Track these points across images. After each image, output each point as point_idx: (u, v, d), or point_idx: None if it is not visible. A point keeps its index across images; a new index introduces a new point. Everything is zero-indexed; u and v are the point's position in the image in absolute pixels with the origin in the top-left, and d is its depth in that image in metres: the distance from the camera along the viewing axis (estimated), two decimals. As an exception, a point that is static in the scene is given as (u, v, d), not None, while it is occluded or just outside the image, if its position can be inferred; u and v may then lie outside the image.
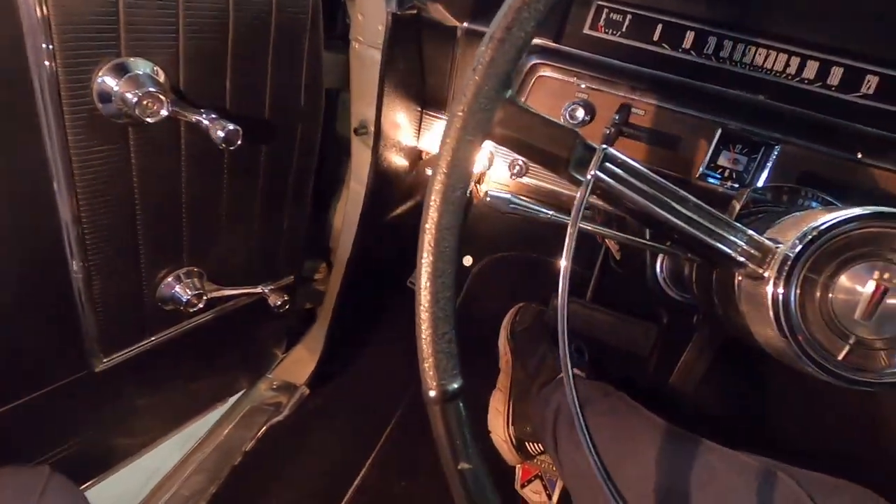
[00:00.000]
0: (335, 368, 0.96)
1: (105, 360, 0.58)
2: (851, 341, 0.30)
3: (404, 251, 1.09)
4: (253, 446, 0.83)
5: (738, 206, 0.42)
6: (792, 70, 0.57)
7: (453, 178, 0.24)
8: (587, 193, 0.27)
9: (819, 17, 0.57)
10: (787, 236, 0.31)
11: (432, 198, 0.24)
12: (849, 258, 0.30)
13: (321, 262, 0.93)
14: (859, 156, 0.53)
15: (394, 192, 0.82)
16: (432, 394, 0.25)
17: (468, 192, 0.25)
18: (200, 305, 0.63)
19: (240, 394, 0.94)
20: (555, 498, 0.92)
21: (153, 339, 0.63)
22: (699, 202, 0.30)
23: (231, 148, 0.49)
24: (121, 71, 0.44)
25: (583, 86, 0.58)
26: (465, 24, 0.63)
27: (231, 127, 0.48)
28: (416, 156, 0.79)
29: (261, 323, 0.85)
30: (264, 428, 0.87)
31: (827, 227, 0.30)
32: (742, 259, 0.31)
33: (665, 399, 1.13)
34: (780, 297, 0.30)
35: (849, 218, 0.30)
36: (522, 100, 0.61)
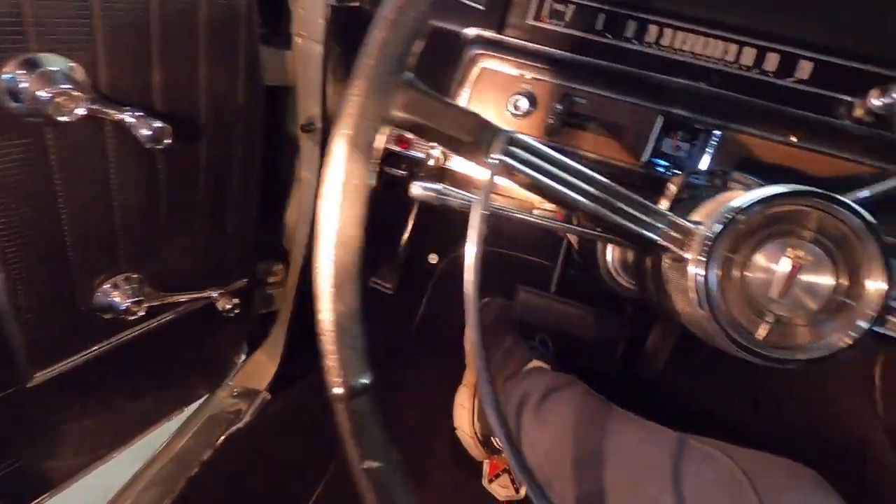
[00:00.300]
0: (296, 371, 0.94)
1: (38, 375, 0.55)
2: (770, 320, 0.30)
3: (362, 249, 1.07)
4: (211, 456, 0.81)
5: (675, 190, 0.42)
6: (730, 57, 0.58)
7: (352, 165, 0.23)
8: (493, 178, 0.27)
9: (755, 4, 0.58)
10: (708, 217, 0.31)
11: (329, 187, 0.23)
12: (765, 237, 0.30)
13: (277, 264, 0.91)
14: (793, 139, 0.54)
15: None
16: (338, 391, 0.24)
17: (372, 181, 0.24)
18: (141, 313, 0.60)
19: (199, 402, 0.91)
20: (523, 491, 0.92)
21: (94, 349, 0.61)
22: (617, 187, 0.30)
23: (159, 147, 0.47)
24: (32, 67, 0.41)
25: (527, 76, 0.58)
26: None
27: (158, 124, 0.46)
28: (367, 152, 0.78)
29: (217, 329, 0.82)
30: (224, 437, 0.84)
31: (743, 207, 0.30)
32: (664, 243, 0.31)
33: (632, 387, 1.14)
34: (701, 278, 0.30)
35: (764, 198, 0.30)
36: (467, 91, 0.60)
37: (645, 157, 0.57)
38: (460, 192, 0.37)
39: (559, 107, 0.54)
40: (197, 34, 0.52)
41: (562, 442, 0.62)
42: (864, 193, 0.40)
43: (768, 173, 0.55)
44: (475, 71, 0.58)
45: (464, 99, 0.59)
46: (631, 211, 0.29)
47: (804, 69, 0.57)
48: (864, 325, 0.30)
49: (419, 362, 1.10)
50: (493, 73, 0.58)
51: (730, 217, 0.29)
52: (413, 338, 1.15)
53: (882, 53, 0.55)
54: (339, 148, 0.23)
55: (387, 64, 0.23)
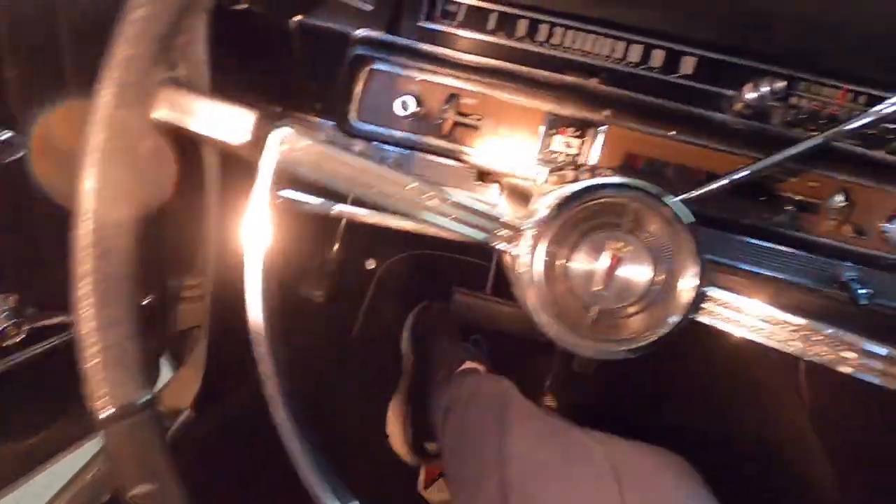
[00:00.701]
0: (223, 388, 0.91)
1: None
2: (594, 313, 0.30)
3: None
4: (125, 481, 0.77)
5: (543, 184, 0.42)
6: (618, 54, 0.59)
7: (110, 170, 0.22)
8: (269, 176, 0.26)
9: (641, 2, 0.59)
10: (536, 212, 0.31)
11: (85, 196, 0.22)
12: (588, 229, 0.30)
13: (195, 279, 0.88)
14: (675, 133, 0.55)
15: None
16: (105, 413, 0.23)
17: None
18: (22, 335, 0.57)
19: (119, 426, 0.87)
20: (457, 495, 0.92)
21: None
22: (429, 186, 0.29)
23: (9, 160, 0.44)
24: None
25: (416, 77, 0.58)
26: (299, 19, 0.61)
27: (5, 136, 0.43)
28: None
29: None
30: (141, 460, 0.80)
31: (565, 200, 0.30)
32: (494, 243, 0.30)
33: (569, 384, 1.15)
34: (530, 274, 0.30)
35: (580, 190, 0.30)
36: (358, 94, 0.59)
37: (536, 154, 0.57)
38: (314, 198, 0.36)
39: (445, 107, 0.54)
40: (58, 42, 0.49)
41: (476, 445, 0.62)
42: (718, 183, 0.41)
43: (651, 167, 0.56)
44: (364, 72, 0.58)
45: (354, 100, 0.58)
46: (454, 212, 0.29)
47: (688, 64, 0.59)
48: (675, 318, 0.30)
49: (357, 371, 1.08)
50: (381, 74, 0.58)
51: (553, 211, 0.29)
52: (352, 346, 1.13)
53: (756, 47, 0.57)
54: (91, 156, 0.21)
55: (141, 63, 0.22)
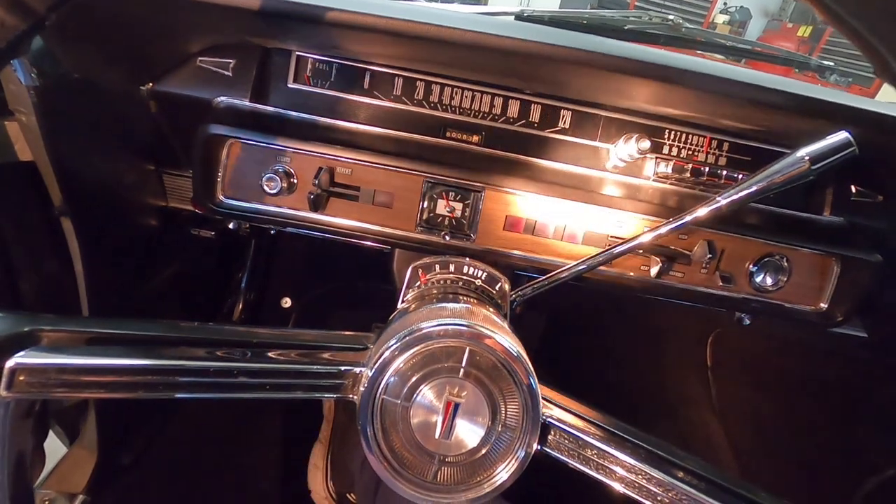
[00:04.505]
0: (120, 465, 0.84)
1: None
2: (436, 462, 0.29)
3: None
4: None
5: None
6: (497, 110, 0.59)
7: None
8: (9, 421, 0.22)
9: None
10: (374, 352, 0.29)
11: None
12: (424, 376, 0.29)
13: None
14: (552, 193, 0.55)
15: (126, 260, 0.72)
16: None
17: None
18: None
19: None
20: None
21: None
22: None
23: None
24: None
25: (284, 148, 0.54)
26: (151, 86, 0.55)
27: None
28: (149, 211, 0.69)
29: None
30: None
31: (397, 348, 0.28)
32: (333, 394, 0.28)
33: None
34: (365, 424, 0.28)
35: (416, 338, 0.29)
36: (221, 169, 0.55)
37: (418, 222, 0.56)
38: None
39: (316, 181, 0.51)
40: None
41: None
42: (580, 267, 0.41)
43: (533, 230, 0.57)
44: (226, 146, 0.53)
45: (219, 176, 0.54)
46: (280, 367, 0.27)
47: (565, 118, 0.59)
48: (522, 452, 0.30)
49: (276, 419, 1.03)
50: (246, 147, 0.54)
51: (384, 359, 0.28)
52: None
53: (625, 103, 0.58)
54: None
55: None
